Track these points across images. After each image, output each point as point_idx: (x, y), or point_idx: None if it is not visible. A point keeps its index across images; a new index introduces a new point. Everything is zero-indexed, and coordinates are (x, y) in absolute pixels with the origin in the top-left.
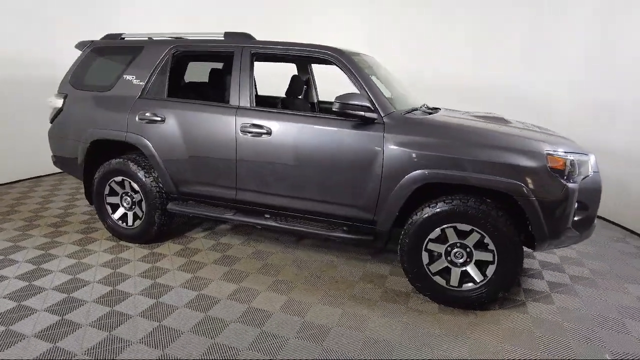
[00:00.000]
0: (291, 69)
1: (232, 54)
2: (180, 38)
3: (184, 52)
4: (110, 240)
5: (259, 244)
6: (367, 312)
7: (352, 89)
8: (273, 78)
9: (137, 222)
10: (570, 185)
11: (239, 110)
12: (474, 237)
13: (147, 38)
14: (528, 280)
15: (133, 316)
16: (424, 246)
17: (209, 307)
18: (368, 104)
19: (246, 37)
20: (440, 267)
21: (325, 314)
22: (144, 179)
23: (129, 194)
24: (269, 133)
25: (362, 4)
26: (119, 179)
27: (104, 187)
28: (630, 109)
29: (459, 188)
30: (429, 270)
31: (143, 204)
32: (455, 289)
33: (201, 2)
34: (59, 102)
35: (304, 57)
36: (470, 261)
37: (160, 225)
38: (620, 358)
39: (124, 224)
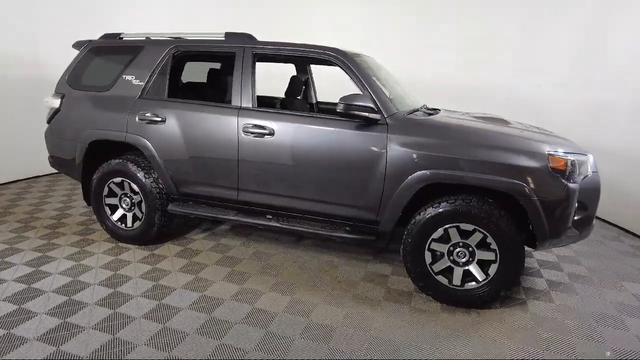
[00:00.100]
0: (287, 70)
1: (234, 55)
2: (180, 38)
3: (185, 52)
4: (109, 242)
5: (259, 245)
6: (371, 312)
7: (351, 89)
8: (272, 79)
9: (137, 224)
10: (571, 185)
11: (241, 110)
12: (476, 237)
13: (146, 38)
14: (528, 279)
15: (137, 318)
16: (427, 246)
17: (212, 308)
18: (372, 105)
19: (247, 37)
20: (443, 267)
21: (330, 314)
22: (143, 180)
23: (128, 195)
24: (271, 134)
25: (360, 4)
26: (118, 180)
27: (103, 188)
28: (625, 109)
29: (461, 188)
30: (432, 270)
31: (143, 205)
32: (458, 288)
33: (198, 2)
34: (56, 102)
35: (306, 58)
36: (473, 260)
37: (160, 227)
38: (622, 356)
39: (123, 225)
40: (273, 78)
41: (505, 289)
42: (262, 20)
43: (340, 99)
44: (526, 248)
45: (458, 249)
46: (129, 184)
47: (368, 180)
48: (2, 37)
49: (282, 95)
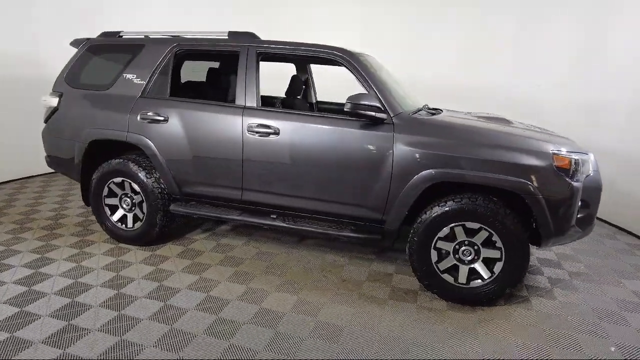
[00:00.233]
0: (283, 70)
1: (236, 54)
2: (179, 37)
3: (187, 51)
4: (109, 243)
5: (262, 245)
6: (378, 311)
7: (347, 89)
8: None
9: (138, 224)
10: (575, 183)
11: (245, 110)
12: (482, 235)
13: (146, 36)
14: (529, 277)
15: (143, 320)
16: (433, 244)
17: (219, 308)
18: (378, 105)
19: (251, 36)
20: (449, 265)
21: (337, 313)
22: (145, 180)
23: (129, 195)
24: (276, 133)
25: (359, 4)
26: (118, 180)
27: (103, 189)
28: (623, 109)
29: (466, 187)
30: (438, 268)
31: (144, 205)
32: (464, 286)
33: (195, 1)
34: (54, 101)
35: (311, 58)
36: (478, 258)
37: (162, 227)
38: (626, 350)
39: (124, 225)
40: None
41: (511, 286)
42: (261, 20)
43: (348, 98)
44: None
45: (464, 247)
46: (130, 184)
47: (374, 180)
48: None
49: (279, 95)
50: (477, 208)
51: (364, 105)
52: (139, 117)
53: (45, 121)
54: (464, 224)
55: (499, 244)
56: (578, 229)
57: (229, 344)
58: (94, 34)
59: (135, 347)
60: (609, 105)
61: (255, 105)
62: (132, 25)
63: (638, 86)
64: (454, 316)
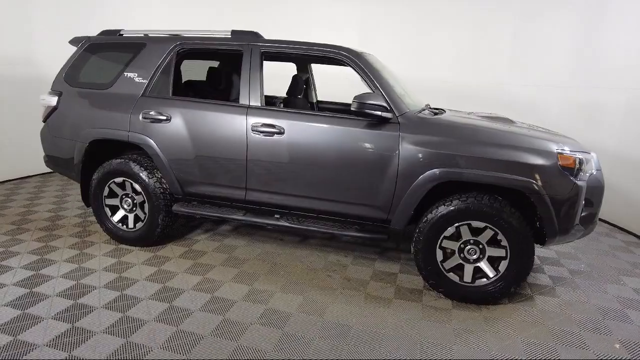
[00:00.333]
0: (282, 69)
1: (239, 53)
2: (180, 35)
3: (190, 50)
4: (109, 244)
5: (264, 245)
6: (384, 310)
7: (347, 89)
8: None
9: (139, 225)
10: (579, 182)
11: (249, 109)
12: (487, 234)
13: (148, 35)
14: (531, 275)
15: (148, 321)
16: (438, 244)
17: (225, 309)
18: (385, 104)
19: (254, 35)
20: (454, 264)
21: (344, 313)
22: (147, 180)
23: (130, 195)
24: (281, 133)
25: (356, 3)
26: (119, 180)
27: (103, 189)
28: (616, 109)
29: (471, 186)
30: (443, 267)
31: (145, 205)
32: (469, 285)
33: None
34: (53, 100)
35: (316, 57)
36: (483, 257)
37: (164, 228)
38: (630, 347)
39: (124, 226)
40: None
41: (516, 285)
42: (260, 20)
43: (354, 98)
44: None
45: (469, 247)
46: (131, 184)
47: (380, 179)
48: None
49: (279, 95)
50: (483, 207)
51: (371, 104)
52: (141, 117)
53: (44, 120)
54: (470, 223)
55: (504, 242)
56: (581, 227)
57: (238, 345)
58: (87, 32)
59: (143, 349)
60: (606, 105)
61: (259, 104)
62: (130, 24)
63: (634, 86)
64: (460, 315)
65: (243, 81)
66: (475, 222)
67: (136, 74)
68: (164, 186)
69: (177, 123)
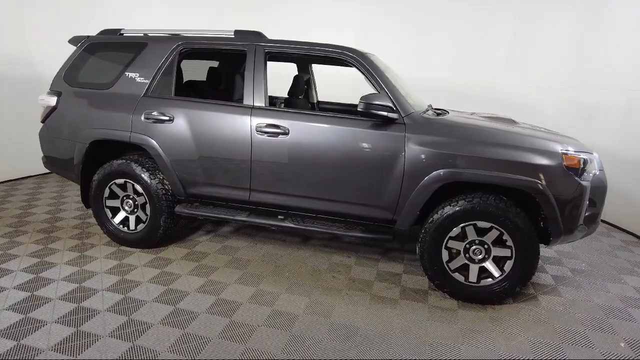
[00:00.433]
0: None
1: (242, 53)
2: (181, 35)
3: (192, 49)
4: (110, 246)
5: (267, 246)
6: (391, 311)
7: (353, 91)
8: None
9: (140, 226)
10: (583, 182)
11: (254, 110)
12: (492, 234)
13: (145, 34)
14: (534, 274)
15: (154, 324)
16: (444, 244)
17: (231, 311)
18: (391, 105)
19: (258, 35)
20: (459, 264)
21: (350, 314)
22: (149, 181)
23: (131, 196)
24: (285, 133)
25: (356, 3)
26: (120, 181)
27: (104, 190)
28: (614, 110)
29: (476, 186)
30: (449, 268)
31: (147, 206)
32: (474, 285)
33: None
34: (52, 101)
35: (320, 58)
36: (488, 257)
37: (166, 229)
38: (635, 346)
39: (125, 228)
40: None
41: (521, 285)
42: (260, 20)
43: (361, 98)
44: None
45: (474, 247)
46: (133, 185)
47: (386, 180)
48: None
49: (279, 95)
50: (488, 207)
51: (378, 105)
52: (143, 117)
53: (43, 121)
54: (475, 224)
55: (510, 242)
56: (585, 227)
57: (246, 348)
58: (87, 32)
59: (150, 352)
60: (605, 105)
61: (263, 105)
62: (130, 24)
63: (634, 87)
64: (466, 315)
65: (247, 81)
66: (481, 223)
67: (138, 74)
68: (166, 187)
69: (180, 123)
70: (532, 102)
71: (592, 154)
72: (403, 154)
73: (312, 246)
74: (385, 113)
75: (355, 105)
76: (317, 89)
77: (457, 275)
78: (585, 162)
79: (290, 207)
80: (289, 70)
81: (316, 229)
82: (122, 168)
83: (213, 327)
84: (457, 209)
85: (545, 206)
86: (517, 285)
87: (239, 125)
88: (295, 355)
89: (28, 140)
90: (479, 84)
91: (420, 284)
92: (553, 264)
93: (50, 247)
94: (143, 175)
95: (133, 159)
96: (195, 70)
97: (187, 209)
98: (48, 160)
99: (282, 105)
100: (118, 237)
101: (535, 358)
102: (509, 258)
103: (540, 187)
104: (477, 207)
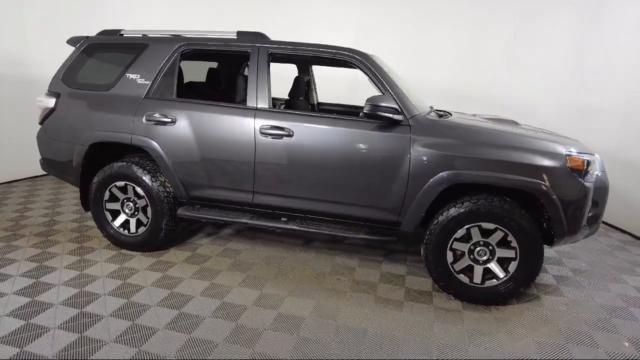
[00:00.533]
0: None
1: (245, 54)
2: (181, 36)
3: (194, 50)
4: (110, 249)
5: (268, 248)
6: (397, 313)
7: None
8: None
9: (141, 229)
10: (587, 184)
11: (257, 111)
12: (497, 235)
13: (144, 35)
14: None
15: (159, 329)
16: (449, 245)
17: (237, 315)
18: (396, 106)
19: (260, 36)
20: (464, 266)
21: (357, 316)
22: (150, 184)
23: (132, 199)
24: (290, 135)
25: (356, 3)
26: (121, 183)
27: (104, 193)
28: (611, 111)
29: (480, 188)
30: (453, 269)
31: (148, 209)
32: (479, 286)
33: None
34: (51, 102)
35: (323, 59)
36: (493, 258)
37: (167, 232)
38: (639, 345)
39: (126, 231)
40: None
41: (525, 285)
42: (260, 20)
43: (367, 100)
44: None
45: (479, 248)
46: (133, 187)
47: (391, 181)
48: None
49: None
50: (493, 209)
51: (383, 107)
52: (144, 119)
53: (41, 123)
54: (480, 225)
55: (514, 243)
56: (587, 227)
57: (254, 352)
58: (87, 32)
59: (157, 358)
60: (603, 106)
61: (267, 106)
62: (130, 24)
63: (634, 88)
64: (471, 316)
65: (250, 83)
66: (485, 224)
67: (139, 75)
68: (168, 190)
69: (183, 125)
70: (531, 102)
71: (593, 155)
72: (408, 155)
73: (314, 248)
74: (391, 115)
75: (355, 107)
76: (317, 90)
77: (462, 277)
78: (588, 163)
79: (293, 209)
80: (289, 71)
81: (320, 231)
82: (122, 170)
83: (219, 331)
84: (462, 210)
85: (550, 207)
86: (522, 286)
87: (243, 127)
88: (305, 358)
89: (23, 142)
90: (478, 84)
91: (424, 286)
92: (553, 264)
93: (49, 251)
94: (144, 178)
95: (134, 161)
96: (191, 70)
97: (189, 211)
98: (46, 163)
99: (283, 106)
100: (118, 241)
101: (543, 358)
102: (514, 259)
103: (545, 189)
104: (482, 209)
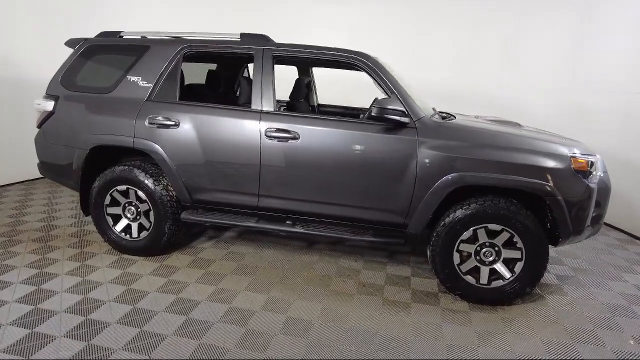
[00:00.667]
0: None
1: (249, 56)
2: (181, 37)
3: (197, 52)
4: (111, 254)
5: (272, 251)
6: (405, 315)
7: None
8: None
9: (143, 234)
10: (591, 184)
11: (262, 114)
12: (503, 236)
13: (144, 37)
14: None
15: (168, 336)
16: (455, 247)
17: (245, 320)
18: (403, 109)
19: (263, 38)
20: (470, 267)
21: (365, 318)
22: (152, 187)
23: (134, 203)
24: (296, 138)
25: (356, 3)
26: (122, 187)
27: (105, 197)
28: (607, 111)
29: (486, 189)
30: (460, 270)
31: (150, 214)
32: (485, 286)
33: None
34: (49, 105)
35: (328, 62)
36: (499, 259)
37: (170, 236)
38: None
39: (128, 236)
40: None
41: (531, 286)
42: (260, 20)
43: (374, 103)
44: None
45: (485, 249)
46: (135, 191)
47: (398, 184)
48: None
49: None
50: (500, 210)
51: (391, 109)
52: (147, 122)
53: (39, 126)
54: (487, 226)
55: (520, 244)
56: (591, 227)
57: (266, 356)
58: (87, 33)
59: None
60: (601, 106)
61: (272, 109)
62: (130, 25)
63: (632, 88)
64: (479, 316)
65: (255, 86)
66: (492, 225)
67: (140, 78)
68: (171, 193)
69: (187, 128)
70: (531, 102)
71: (595, 156)
72: (415, 158)
73: (318, 251)
74: (398, 117)
75: (354, 108)
76: (317, 92)
77: (468, 278)
78: (592, 164)
79: (299, 212)
80: (288, 72)
81: (326, 234)
82: (124, 174)
83: (230, 336)
84: (469, 212)
85: (555, 208)
86: (528, 286)
87: (248, 130)
88: None
89: (16, 145)
90: (478, 83)
91: (429, 287)
92: (554, 263)
93: (49, 257)
94: (147, 182)
95: (136, 165)
96: (188, 72)
97: (193, 215)
98: (44, 166)
99: (284, 108)
100: (120, 245)
101: (552, 358)
102: (519, 260)
103: (551, 190)
104: (488, 210)
